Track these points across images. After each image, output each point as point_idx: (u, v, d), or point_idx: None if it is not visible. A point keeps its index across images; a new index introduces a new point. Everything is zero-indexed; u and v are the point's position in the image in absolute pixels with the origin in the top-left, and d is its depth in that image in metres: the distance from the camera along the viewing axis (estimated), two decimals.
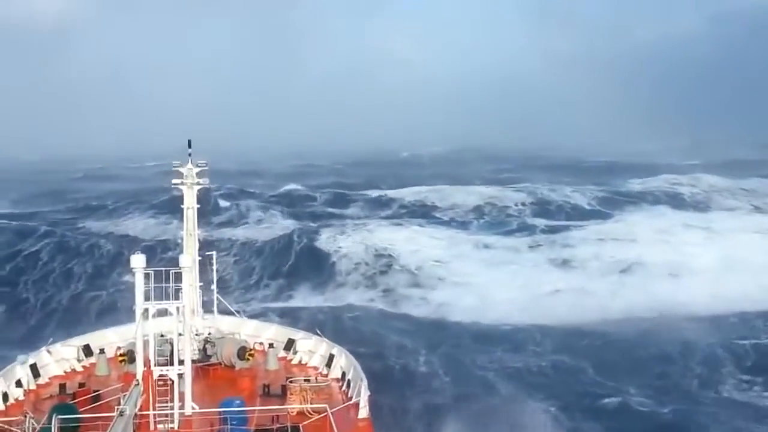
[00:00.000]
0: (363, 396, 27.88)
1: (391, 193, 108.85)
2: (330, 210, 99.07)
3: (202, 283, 35.42)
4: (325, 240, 75.52)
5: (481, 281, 65.18)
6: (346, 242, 74.72)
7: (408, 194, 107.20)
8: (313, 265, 69.56)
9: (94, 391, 29.35)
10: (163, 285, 27.02)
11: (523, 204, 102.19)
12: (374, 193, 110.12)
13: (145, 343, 26.52)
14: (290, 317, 53.01)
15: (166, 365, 26.75)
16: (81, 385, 30.90)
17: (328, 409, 26.02)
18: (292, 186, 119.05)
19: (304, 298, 62.98)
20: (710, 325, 53.99)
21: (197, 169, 35.05)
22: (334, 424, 25.13)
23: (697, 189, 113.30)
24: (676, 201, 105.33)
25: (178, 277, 27.47)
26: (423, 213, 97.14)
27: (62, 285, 65.68)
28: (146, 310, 26.48)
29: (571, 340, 51.58)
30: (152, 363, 26.29)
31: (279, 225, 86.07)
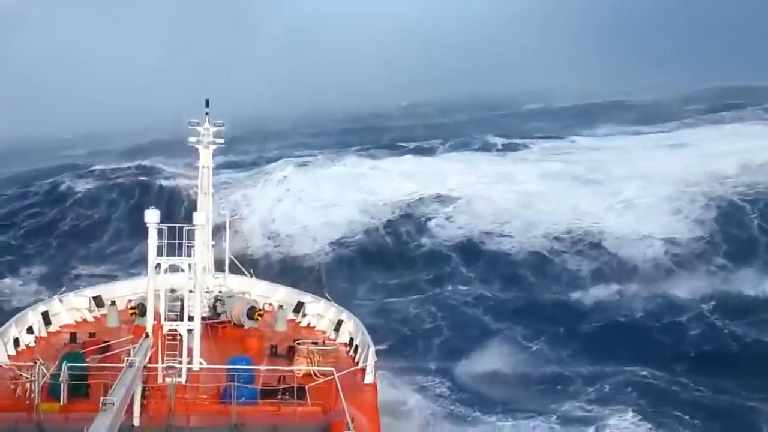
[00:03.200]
0: (370, 362, 28.12)
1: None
2: None
3: (214, 242, 35.66)
4: None
5: None
6: None
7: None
8: None
9: (104, 342, 29.67)
10: (176, 241, 27.17)
11: None
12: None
13: (156, 298, 26.74)
14: None
15: (176, 320, 26.99)
16: (91, 335, 31.23)
17: (334, 372, 26.23)
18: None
19: None
20: None
21: (214, 129, 35.12)
22: (339, 388, 25.34)
23: None
24: None
25: (192, 235, 27.62)
26: None
27: None
28: (158, 265, 26.65)
29: None
30: (162, 317, 26.54)
31: None
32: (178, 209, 61.18)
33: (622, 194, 65.97)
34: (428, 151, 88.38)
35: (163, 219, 27.01)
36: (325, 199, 68.66)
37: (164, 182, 74.51)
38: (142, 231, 27.67)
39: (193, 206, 37.76)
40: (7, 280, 59.20)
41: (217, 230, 37.80)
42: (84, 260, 62.73)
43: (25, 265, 61.87)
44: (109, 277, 54.55)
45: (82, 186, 75.58)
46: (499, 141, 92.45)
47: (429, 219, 64.34)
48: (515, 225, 62.13)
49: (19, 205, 73.34)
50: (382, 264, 59.19)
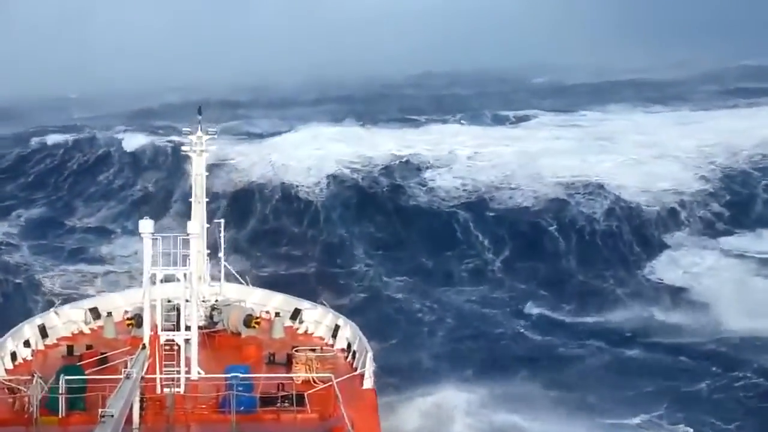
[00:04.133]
0: (368, 367, 28.10)
1: None
2: None
3: (209, 251, 35.58)
4: None
5: None
6: None
7: None
8: None
9: (102, 354, 29.57)
10: (171, 251, 27.12)
11: None
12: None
13: (152, 308, 26.67)
14: None
15: (173, 330, 26.92)
16: (88, 347, 31.14)
17: (333, 379, 26.18)
18: None
19: None
20: None
21: (207, 137, 35.10)
22: (338, 394, 25.30)
23: None
24: None
25: (186, 244, 27.57)
26: None
27: None
28: (153, 275, 26.59)
29: None
30: (159, 328, 26.47)
31: None
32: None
33: (633, 156, 69.67)
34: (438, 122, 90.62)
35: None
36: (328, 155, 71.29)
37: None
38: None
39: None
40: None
41: None
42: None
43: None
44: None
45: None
46: (511, 114, 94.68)
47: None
48: (523, 175, 66.00)
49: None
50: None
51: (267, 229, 62.36)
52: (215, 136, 35.91)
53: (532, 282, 53.43)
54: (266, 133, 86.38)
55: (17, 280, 54.11)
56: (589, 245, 57.82)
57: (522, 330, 47.19)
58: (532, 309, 49.83)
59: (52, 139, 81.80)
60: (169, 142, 75.07)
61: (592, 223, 59.64)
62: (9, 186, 73.64)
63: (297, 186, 66.07)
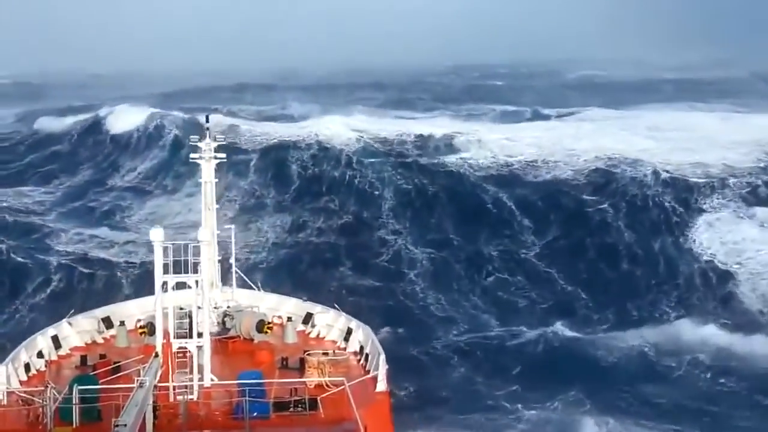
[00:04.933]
0: (381, 369, 28.03)
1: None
2: None
3: (220, 257, 35.59)
4: None
5: None
6: None
7: None
8: None
9: (115, 363, 29.61)
10: (182, 258, 27.15)
11: None
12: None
13: (165, 316, 26.70)
14: None
15: (186, 338, 26.94)
16: (101, 356, 31.19)
17: (345, 382, 26.12)
18: None
19: None
20: None
21: (215, 144, 35.13)
22: (351, 397, 25.25)
23: None
24: None
25: (197, 251, 27.60)
26: None
27: None
28: (165, 283, 26.63)
29: None
30: (171, 335, 26.48)
31: None
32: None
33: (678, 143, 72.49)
34: (476, 117, 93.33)
35: None
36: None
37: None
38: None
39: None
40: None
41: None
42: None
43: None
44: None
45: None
46: (551, 110, 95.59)
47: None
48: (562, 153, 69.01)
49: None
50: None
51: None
52: (223, 142, 35.93)
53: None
54: (299, 116, 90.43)
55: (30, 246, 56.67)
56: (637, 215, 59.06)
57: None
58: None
59: (104, 111, 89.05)
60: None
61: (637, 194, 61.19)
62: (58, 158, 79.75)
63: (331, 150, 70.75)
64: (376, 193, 65.02)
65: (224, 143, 36.05)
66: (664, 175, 64.20)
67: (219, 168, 35.36)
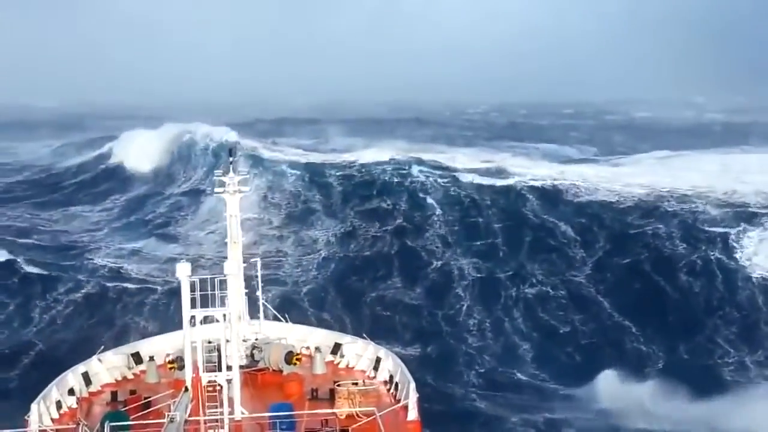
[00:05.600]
0: (411, 398, 27.84)
1: None
2: None
3: (247, 290, 35.66)
4: None
5: None
6: None
7: None
8: None
9: (145, 398, 29.63)
10: (209, 292, 27.23)
11: None
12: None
13: (193, 350, 26.73)
14: None
15: (215, 371, 26.94)
16: (132, 392, 31.22)
17: (376, 412, 25.96)
18: None
19: None
20: None
21: (239, 177, 35.33)
22: (383, 427, 25.08)
23: None
24: None
25: (224, 284, 27.67)
26: None
27: None
28: (193, 317, 26.69)
29: None
30: (201, 369, 26.49)
31: None
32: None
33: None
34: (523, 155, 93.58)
35: None
36: None
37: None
38: None
39: None
40: None
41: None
42: None
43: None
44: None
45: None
46: (592, 150, 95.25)
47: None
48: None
49: None
50: None
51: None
52: (247, 176, 36.14)
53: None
54: (340, 149, 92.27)
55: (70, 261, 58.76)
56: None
57: None
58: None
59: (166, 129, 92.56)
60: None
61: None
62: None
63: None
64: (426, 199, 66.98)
65: (247, 176, 36.27)
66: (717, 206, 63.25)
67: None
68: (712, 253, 56.60)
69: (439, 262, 58.46)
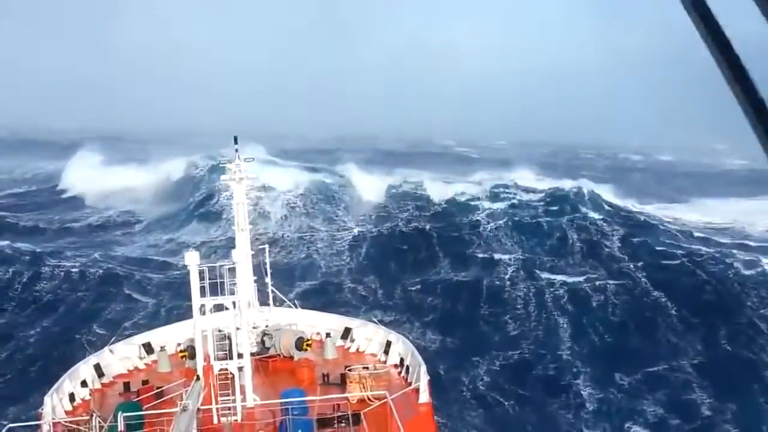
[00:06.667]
0: (422, 381, 27.92)
1: None
2: None
3: (256, 277, 35.73)
4: None
5: None
6: None
7: None
8: None
9: (157, 388, 29.76)
10: (218, 280, 27.28)
11: None
12: None
13: (204, 339, 26.82)
14: None
15: (226, 359, 27.04)
16: (144, 382, 31.36)
17: (388, 396, 26.05)
18: None
19: None
20: None
21: (245, 165, 35.29)
22: (394, 410, 25.15)
23: None
24: None
25: (233, 272, 27.72)
26: None
27: None
28: (203, 306, 26.76)
29: None
30: (212, 358, 26.59)
31: None
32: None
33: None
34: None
35: None
36: None
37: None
38: None
39: None
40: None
41: None
42: None
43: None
44: None
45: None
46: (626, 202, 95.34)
47: None
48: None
49: None
50: None
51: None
52: (252, 161, 36.09)
53: None
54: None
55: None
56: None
57: None
58: None
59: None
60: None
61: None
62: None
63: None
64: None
65: (252, 161, 36.23)
66: None
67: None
68: None
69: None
